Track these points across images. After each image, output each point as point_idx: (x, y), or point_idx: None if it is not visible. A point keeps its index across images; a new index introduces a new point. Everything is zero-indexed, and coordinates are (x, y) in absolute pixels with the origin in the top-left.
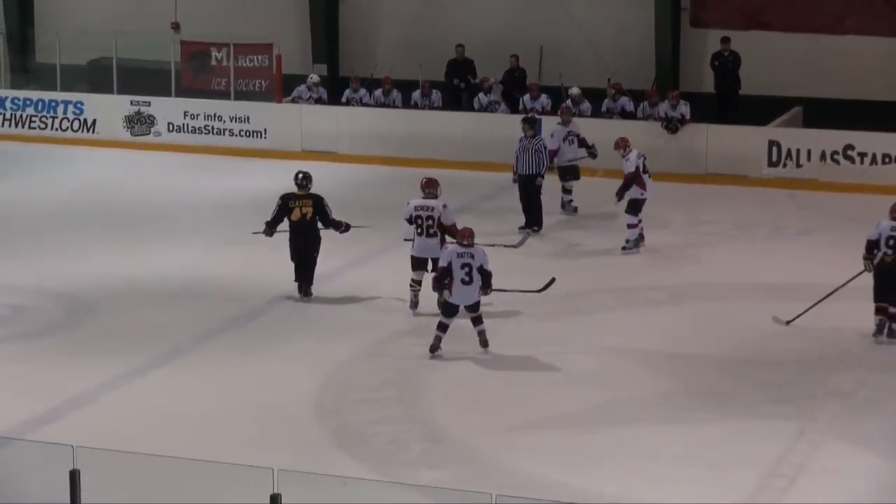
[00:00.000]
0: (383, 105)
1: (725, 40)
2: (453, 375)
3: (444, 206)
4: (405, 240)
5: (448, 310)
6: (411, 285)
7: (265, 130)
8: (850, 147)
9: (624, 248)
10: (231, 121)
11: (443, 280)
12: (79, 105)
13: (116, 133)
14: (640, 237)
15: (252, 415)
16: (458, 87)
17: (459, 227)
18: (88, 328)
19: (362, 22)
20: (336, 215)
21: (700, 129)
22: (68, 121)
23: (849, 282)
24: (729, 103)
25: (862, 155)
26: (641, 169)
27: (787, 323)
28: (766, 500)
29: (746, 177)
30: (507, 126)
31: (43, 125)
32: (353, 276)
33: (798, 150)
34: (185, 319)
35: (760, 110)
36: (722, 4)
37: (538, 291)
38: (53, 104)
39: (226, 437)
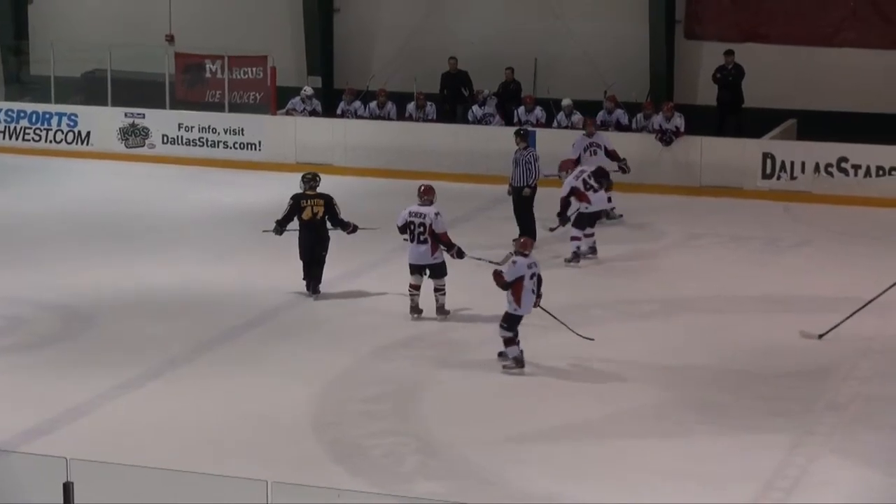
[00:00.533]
0: (378, 117)
1: (729, 53)
2: (450, 388)
3: (437, 214)
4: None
5: (512, 322)
6: (409, 291)
7: (259, 142)
8: (844, 159)
9: (566, 261)
10: (225, 133)
11: (502, 287)
12: (73, 117)
13: (111, 145)
14: (592, 250)
15: (247, 427)
16: (455, 97)
17: (454, 238)
18: (83, 340)
19: (357, 34)
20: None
21: (694, 141)
22: (62, 133)
23: (883, 293)
24: (731, 116)
25: (856, 167)
26: (583, 187)
27: (820, 337)
28: None
29: (741, 189)
30: (502, 138)
31: (37, 137)
32: (348, 288)
33: (792, 163)
34: (180, 331)
35: (755, 123)
36: (717, 17)
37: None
38: (48, 116)
39: (221, 449)
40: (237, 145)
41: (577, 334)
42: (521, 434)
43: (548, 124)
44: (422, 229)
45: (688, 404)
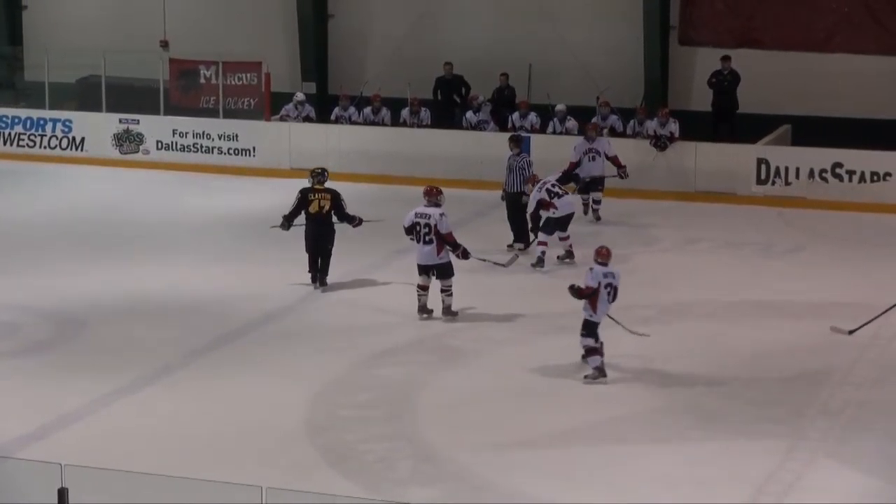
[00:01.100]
0: (372, 123)
1: (726, 58)
2: (444, 393)
3: (442, 215)
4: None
5: (592, 328)
6: (418, 292)
7: (254, 148)
8: (838, 165)
9: (532, 265)
10: (220, 139)
11: (586, 297)
12: (67, 123)
13: (105, 151)
14: (569, 254)
15: (242, 431)
16: (449, 102)
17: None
18: (78, 345)
19: (351, 40)
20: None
21: (689, 146)
22: (57, 139)
23: None
24: (726, 122)
25: (850, 173)
26: (548, 196)
27: (850, 333)
28: None
29: (735, 194)
30: (497, 144)
31: (31, 143)
32: (344, 292)
33: (787, 168)
34: (174, 337)
35: (749, 128)
36: (711, 23)
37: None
38: (42, 122)
39: (215, 455)
40: (231, 151)
41: (634, 332)
42: (515, 439)
43: (542, 130)
44: (427, 230)
45: (681, 409)
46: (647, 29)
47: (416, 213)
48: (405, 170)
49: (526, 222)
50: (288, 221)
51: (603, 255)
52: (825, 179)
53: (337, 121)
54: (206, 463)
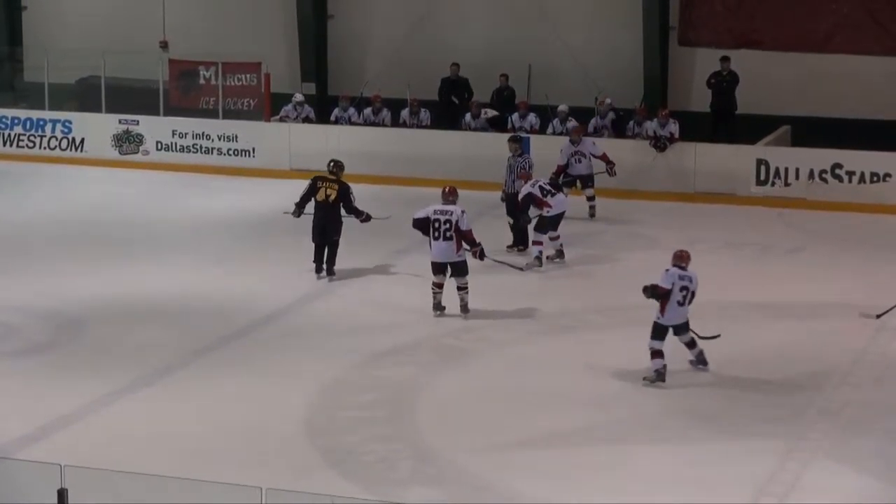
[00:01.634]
0: (373, 124)
1: (725, 59)
2: (444, 394)
3: (463, 212)
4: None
5: (659, 331)
6: (433, 289)
7: (253, 149)
8: (838, 166)
9: (527, 265)
10: (219, 139)
11: (659, 297)
12: (67, 124)
13: (105, 152)
14: (559, 253)
15: (241, 433)
16: (452, 103)
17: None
18: (77, 346)
19: (351, 40)
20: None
21: (688, 147)
22: (56, 139)
23: None
24: (725, 122)
25: (850, 174)
26: (540, 194)
27: (878, 317)
28: None
29: (735, 195)
30: (496, 145)
31: (31, 144)
32: (341, 295)
33: (786, 169)
34: (173, 338)
35: (748, 129)
36: (710, 24)
37: (521, 269)
38: (41, 123)
39: (215, 456)
40: (231, 152)
41: (704, 337)
42: (515, 440)
43: (541, 130)
44: (447, 226)
45: (681, 410)
46: (647, 30)
47: (434, 210)
48: (405, 170)
49: (520, 223)
50: (299, 208)
51: (683, 259)
52: (825, 180)
53: (336, 121)
54: (205, 463)
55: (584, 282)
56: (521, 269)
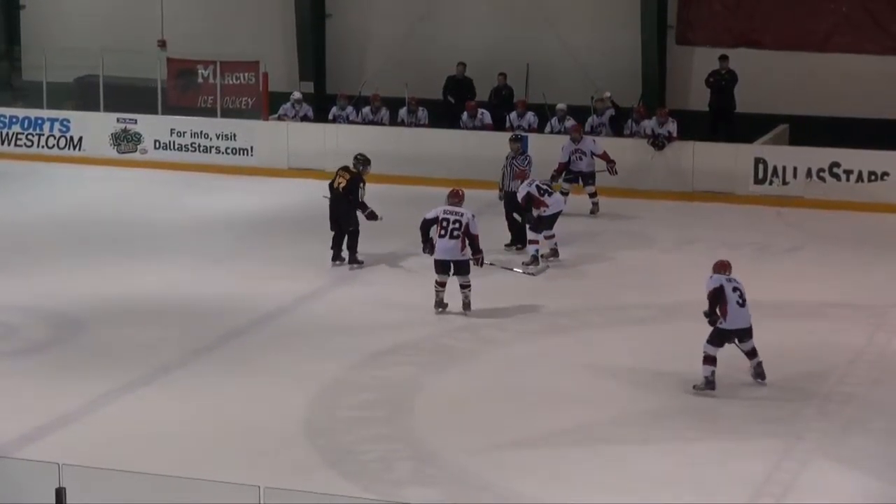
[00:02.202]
0: (371, 122)
1: (724, 58)
2: (443, 394)
3: (473, 216)
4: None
5: (720, 336)
6: (436, 288)
7: (252, 148)
8: (836, 164)
9: (524, 264)
10: (218, 138)
11: (714, 306)
12: (65, 122)
13: (103, 151)
14: (554, 252)
15: (240, 432)
16: (457, 101)
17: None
18: (76, 346)
19: (349, 39)
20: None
21: (686, 146)
22: (55, 138)
23: None
24: (723, 121)
25: (848, 172)
26: (537, 193)
27: None
28: None
29: (733, 194)
30: (495, 143)
31: (29, 143)
32: (340, 295)
33: (784, 168)
34: (172, 337)
35: (747, 128)
36: (709, 23)
37: (532, 274)
38: (40, 122)
39: (213, 456)
40: (229, 151)
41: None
42: (512, 440)
43: (540, 129)
44: (457, 225)
45: (678, 410)
46: (645, 29)
47: (444, 210)
48: (404, 169)
49: (524, 223)
50: (328, 194)
51: (725, 268)
52: (823, 179)
53: (335, 120)
54: (204, 463)
55: (582, 281)
56: (532, 274)
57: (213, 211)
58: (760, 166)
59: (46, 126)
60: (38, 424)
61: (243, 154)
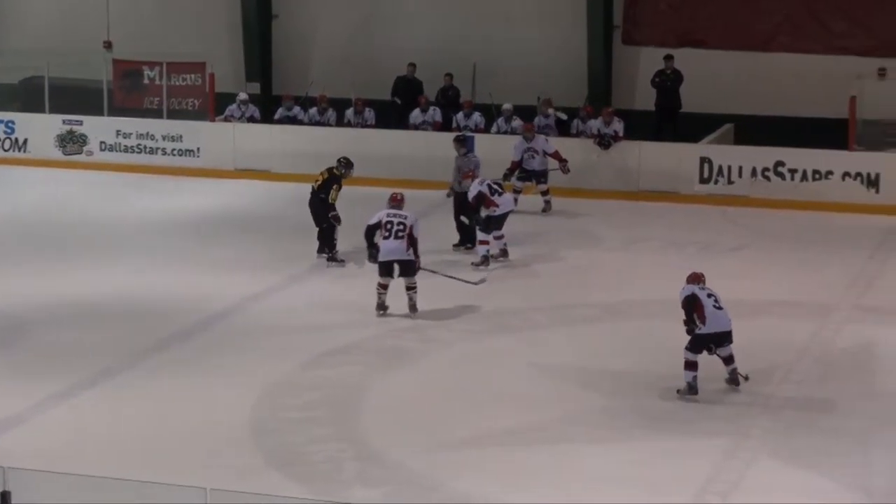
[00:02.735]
0: (318, 123)
1: (669, 58)
2: (390, 394)
3: (417, 220)
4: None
5: (699, 342)
6: (378, 290)
7: (198, 149)
8: (780, 163)
9: (474, 264)
10: (164, 140)
11: (690, 315)
12: (10, 124)
13: (48, 152)
14: (503, 252)
15: (186, 433)
16: (407, 102)
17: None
18: (19, 349)
19: (296, 40)
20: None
21: (632, 146)
22: None
23: None
24: (669, 121)
25: (792, 171)
26: (489, 192)
27: None
28: None
29: (678, 193)
30: (442, 144)
31: None
32: (285, 295)
33: (729, 167)
34: (116, 340)
35: (692, 127)
36: (654, 23)
37: (474, 283)
38: None
39: (159, 457)
40: (175, 152)
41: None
42: (460, 440)
43: (486, 129)
44: (401, 227)
45: (625, 409)
46: (591, 28)
47: (386, 213)
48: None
49: (472, 223)
50: None
51: (699, 279)
52: (767, 178)
53: (280, 121)
54: (149, 465)
55: (529, 280)
56: (475, 283)
57: (159, 212)
58: (706, 166)
59: None
60: None
61: (189, 155)
